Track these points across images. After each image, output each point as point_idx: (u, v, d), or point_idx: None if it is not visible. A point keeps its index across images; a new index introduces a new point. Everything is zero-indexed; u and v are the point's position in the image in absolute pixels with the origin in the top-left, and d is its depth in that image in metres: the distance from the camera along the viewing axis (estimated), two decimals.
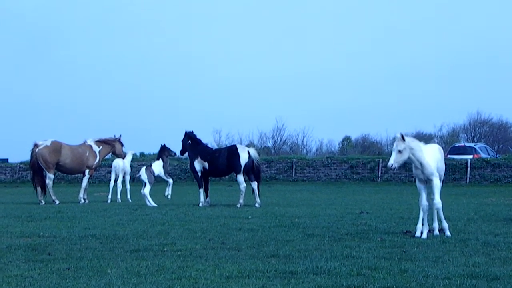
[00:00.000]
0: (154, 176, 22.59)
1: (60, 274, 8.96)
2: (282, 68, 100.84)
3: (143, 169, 22.62)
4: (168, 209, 19.82)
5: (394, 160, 12.33)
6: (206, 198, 22.45)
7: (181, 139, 23.48)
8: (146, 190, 22.18)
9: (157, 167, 22.69)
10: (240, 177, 22.04)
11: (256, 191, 21.97)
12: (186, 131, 23.33)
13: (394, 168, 12.64)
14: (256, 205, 21.45)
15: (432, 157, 12.62)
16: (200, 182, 22.47)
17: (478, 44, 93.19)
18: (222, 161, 22.14)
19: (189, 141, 23.10)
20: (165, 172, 22.64)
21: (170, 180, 23.02)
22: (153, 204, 21.90)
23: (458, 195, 28.57)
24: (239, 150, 22.20)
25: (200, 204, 21.82)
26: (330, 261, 9.63)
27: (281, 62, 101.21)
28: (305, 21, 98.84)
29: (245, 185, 21.98)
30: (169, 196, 24.00)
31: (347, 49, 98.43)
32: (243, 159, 21.99)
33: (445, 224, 12.86)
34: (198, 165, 22.55)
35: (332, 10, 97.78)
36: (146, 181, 22.23)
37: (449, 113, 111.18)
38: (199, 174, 22.42)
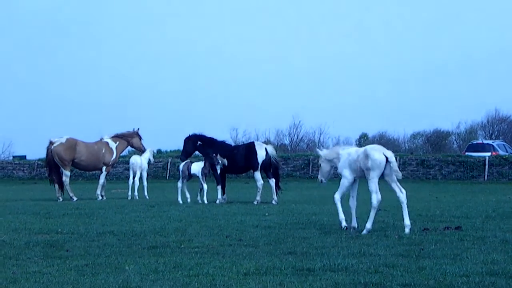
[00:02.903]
0: (189, 173, 22.34)
1: (78, 270, 9.00)
2: (299, 65, 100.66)
3: (183, 163, 22.63)
4: (185, 206, 19.87)
5: (320, 175, 13.85)
6: (223, 195, 22.47)
7: (184, 146, 23.54)
8: (179, 183, 22.34)
9: (196, 166, 22.37)
10: (257, 174, 22.06)
11: (274, 188, 21.98)
12: (189, 135, 23.37)
13: (321, 181, 13.89)
14: (273, 202, 21.45)
15: (343, 161, 13.23)
16: (218, 179, 22.48)
17: (496, 40, 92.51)
18: (240, 158, 22.18)
19: (199, 143, 23.14)
20: (203, 174, 22.08)
21: (205, 186, 22.03)
22: (180, 199, 21.85)
23: (476, 193, 28.43)
24: (256, 147, 22.23)
25: (217, 201, 21.84)
26: (348, 259, 9.61)
27: (297, 59, 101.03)
28: (322, 17, 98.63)
29: (262, 182, 22.02)
30: (199, 201, 22.39)
31: (365, 46, 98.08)
32: (260, 156, 22.02)
33: (344, 219, 13.42)
34: (217, 160, 22.57)
35: (348, 5, 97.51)
36: (180, 173, 22.40)
37: (467, 110, 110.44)
38: (218, 171, 22.44)
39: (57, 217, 16.38)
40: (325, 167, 13.62)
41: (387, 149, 13.10)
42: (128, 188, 26.47)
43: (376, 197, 12.83)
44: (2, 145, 73.47)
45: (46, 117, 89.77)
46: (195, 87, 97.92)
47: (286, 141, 76.20)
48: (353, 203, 13.43)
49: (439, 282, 8.05)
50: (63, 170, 25.22)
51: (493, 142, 48.79)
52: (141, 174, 26.57)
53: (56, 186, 25.12)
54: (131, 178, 26.49)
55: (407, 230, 12.57)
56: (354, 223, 13.27)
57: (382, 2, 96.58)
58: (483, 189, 32.62)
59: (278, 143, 73.13)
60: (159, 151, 56.33)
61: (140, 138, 26.84)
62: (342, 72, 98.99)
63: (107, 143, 26.26)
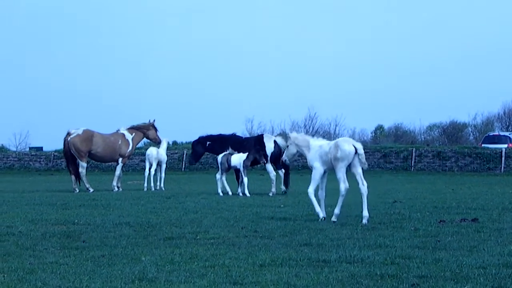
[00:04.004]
0: (229, 165, 21.93)
1: (94, 261, 9.03)
2: (314, 57, 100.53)
3: (222, 154, 22.20)
4: (200, 198, 19.90)
5: (284, 155, 14.40)
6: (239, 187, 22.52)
7: (193, 149, 23.80)
8: (218, 174, 21.97)
9: (237, 158, 21.84)
10: (269, 166, 22.22)
11: (283, 179, 22.16)
12: (197, 138, 23.76)
13: (285, 161, 14.86)
14: (282, 191, 21.81)
15: (314, 152, 13.58)
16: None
17: None
18: (252, 151, 22.24)
19: (208, 143, 23.28)
20: (244, 167, 21.65)
21: (245, 179, 21.57)
22: (219, 191, 21.64)
23: (492, 185, 28.29)
24: (265, 140, 22.38)
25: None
26: (364, 250, 9.59)
27: (313, 50, 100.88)
28: (338, 8, 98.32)
29: (274, 173, 22.17)
30: (240, 194, 21.71)
31: (380, 37, 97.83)
32: (269, 148, 22.21)
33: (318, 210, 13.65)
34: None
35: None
36: (219, 165, 22.02)
37: (483, 102, 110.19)
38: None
39: (74, 208, 16.46)
40: (292, 149, 14.09)
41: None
42: (144, 180, 26.52)
43: (344, 186, 13.27)
44: (19, 137, 73.95)
45: (62, 109, 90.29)
46: (211, 78, 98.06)
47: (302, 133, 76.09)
48: (322, 194, 13.79)
49: (455, 274, 8.02)
50: (80, 162, 25.29)
51: (509, 134, 48.60)
52: (160, 165, 26.62)
53: (73, 177, 25.23)
54: (147, 169, 26.52)
55: (364, 220, 12.91)
56: (323, 213, 13.62)
57: None
58: (500, 181, 32.46)
59: None
60: (174, 143, 56.44)
61: (156, 130, 26.85)
62: (358, 63, 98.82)
63: (123, 134, 26.31)
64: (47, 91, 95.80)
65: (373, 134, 75.93)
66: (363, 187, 13.25)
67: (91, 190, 24.63)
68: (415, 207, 16.05)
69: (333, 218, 13.15)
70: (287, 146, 14.14)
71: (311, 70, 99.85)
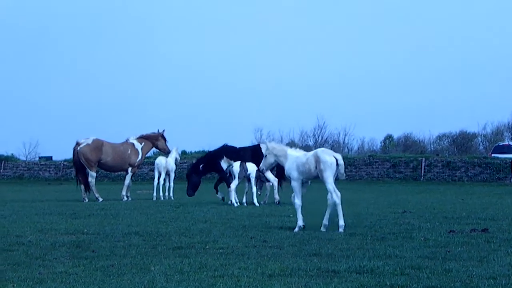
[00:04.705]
0: (246, 173, 21.70)
1: (104, 271, 9.04)
2: (323, 66, 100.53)
3: (238, 163, 21.80)
4: (209, 207, 19.89)
5: (262, 164, 14.40)
6: (217, 193, 23.12)
7: (190, 180, 23.86)
8: (233, 184, 21.54)
9: (253, 166, 21.64)
10: (268, 174, 22.20)
11: (276, 189, 22.12)
12: (189, 170, 24.15)
13: (262, 170, 15.19)
14: (277, 201, 21.94)
15: (291, 162, 13.73)
16: (228, 181, 22.72)
17: None
18: (248, 160, 22.25)
19: (201, 166, 23.65)
20: (257, 176, 21.59)
21: (254, 188, 21.59)
22: (234, 201, 21.33)
23: (502, 194, 28.21)
24: (263, 150, 22.30)
25: (229, 202, 22.03)
26: (373, 260, 9.56)
27: (322, 59, 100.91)
28: (347, 20, 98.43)
29: (275, 178, 22.11)
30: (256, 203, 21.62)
31: (389, 48, 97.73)
32: None
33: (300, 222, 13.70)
34: (225, 165, 22.74)
35: (375, 9, 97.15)
36: (236, 174, 21.49)
37: (493, 112, 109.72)
38: (228, 173, 22.72)
39: (83, 218, 16.48)
40: (269, 159, 14.18)
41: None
42: (153, 189, 26.56)
43: (336, 195, 13.38)
44: (29, 146, 74.20)
45: (72, 119, 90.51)
46: (220, 87, 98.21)
47: (311, 142, 76.11)
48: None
49: (465, 284, 7.99)
50: (89, 171, 25.34)
51: None
52: (169, 174, 26.70)
53: (82, 186, 25.28)
54: (156, 179, 26.58)
55: (341, 229, 13.15)
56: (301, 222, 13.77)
57: (405, 8, 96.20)
58: (510, 191, 32.34)
59: (302, 144, 73.07)
60: (183, 152, 56.45)
61: (165, 140, 26.91)
62: (367, 73, 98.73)
63: (133, 144, 26.37)
64: (57, 101, 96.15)
65: (383, 143, 75.79)
66: (337, 198, 13.40)
67: (100, 199, 24.66)
68: (424, 217, 15.99)
69: (340, 230, 13.18)
70: (265, 156, 14.28)
71: (321, 80, 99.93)
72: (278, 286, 7.96)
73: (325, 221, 13.48)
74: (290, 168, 13.77)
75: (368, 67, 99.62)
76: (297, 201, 13.81)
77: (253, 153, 22.52)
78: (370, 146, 74.97)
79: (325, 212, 13.54)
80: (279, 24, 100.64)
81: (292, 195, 13.96)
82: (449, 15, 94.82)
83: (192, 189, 23.87)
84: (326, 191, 13.50)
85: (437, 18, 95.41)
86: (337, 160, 13.35)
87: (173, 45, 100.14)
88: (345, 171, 13.70)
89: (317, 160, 13.31)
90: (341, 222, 13.28)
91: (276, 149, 14.07)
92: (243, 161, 22.04)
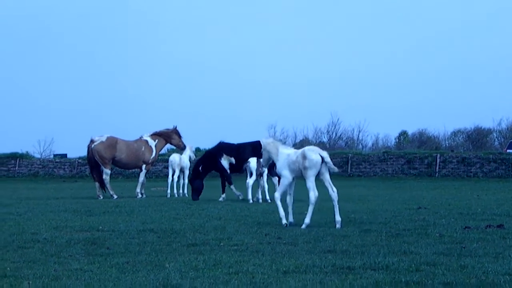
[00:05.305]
0: (262, 169, 21.53)
1: (119, 268, 9.05)
2: (337, 63, 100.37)
3: (255, 159, 21.69)
4: (223, 204, 19.90)
5: (262, 161, 14.62)
6: (223, 193, 22.86)
7: (192, 188, 23.53)
8: (251, 180, 21.52)
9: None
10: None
11: (277, 186, 22.01)
12: (192, 176, 23.79)
13: (262, 168, 15.22)
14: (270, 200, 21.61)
15: (283, 160, 13.87)
16: (229, 178, 22.71)
17: None
18: (248, 157, 22.23)
19: (200, 167, 23.45)
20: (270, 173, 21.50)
21: (266, 185, 21.59)
22: (250, 197, 21.33)
23: None
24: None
25: (221, 199, 22.07)
26: (388, 257, 9.53)
27: (335, 57, 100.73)
28: (361, 16, 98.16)
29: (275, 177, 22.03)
30: (260, 200, 21.81)
31: (403, 44, 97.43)
32: None
33: (290, 217, 13.93)
34: (225, 162, 22.72)
35: (387, 4, 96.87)
36: (253, 171, 21.46)
37: (508, 107, 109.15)
38: (228, 170, 22.72)
39: (98, 215, 16.53)
40: (264, 155, 14.37)
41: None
42: (167, 186, 26.62)
43: (313, 194, 13.47)
44: (44, 144, 74.49)
45: (87, 116, 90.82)
46: (234, 84, 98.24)
47: (325, 139, 76.02)
48: (290, 200, 14.09)
49: (481, 280, 7.95)
50: (103, 168, 25.41)
51: None
52: (183, 172, 26.74)
53: (97, 184, 25.35)
54: (170, 176, 26.63)
55: (338, 225, 13.27)
56: (291, 218, 13.96)
57: (417, 4, 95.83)
58: None
59: (316, 141, 73.00)
60: (197, 149, 56.51)
61: (180, 136, 26.90)
62: (381, 69, 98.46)
63: (147, 141, 26.41)
64: (72, 98, 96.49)
65: (397, 140, 75.55)
66: (334, 193, 13.57)
67: (115, 196, 24.73)
68: (439, 214, 15.94)
69: (303, 226, 13.30)
70: (262, 152, 14.41)
71: (335, 76, 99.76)
72: (293, 283, 7.94)
73: (337, 217, 13.46)
74: (281, 166, 13.91)
75: (382, 63, 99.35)
76: (277, 194, 14.04)
77: (254, 149, 22.41)
78: (384, 142, 74.79)
79: (333, 209, 13.53)
80: (294, 21, 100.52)
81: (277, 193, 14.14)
82: (468, 6, 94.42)
83: (196, 193, 23.43)
84: (326, 188, 13.67)
85: (452, 11, 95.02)
86: (323, 158, 13.47)
87: (185, 42, 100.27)
88: (334, 165, 13.82)
89: (304, 158, 13.46)
90: (307, 220, 13.42)
91: (269, 145, 14.19)
92: (243, 157, 22.06)
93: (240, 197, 22.52)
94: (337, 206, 13.46)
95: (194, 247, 10.84)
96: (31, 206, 20.05)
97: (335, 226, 13.27)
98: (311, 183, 13.47)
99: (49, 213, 17.13)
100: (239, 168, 22.92)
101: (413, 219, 14.57)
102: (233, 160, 22.56)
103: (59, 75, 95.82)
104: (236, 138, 23.33)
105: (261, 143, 14.49)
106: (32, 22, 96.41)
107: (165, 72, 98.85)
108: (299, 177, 13.82)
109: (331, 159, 13.85)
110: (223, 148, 23.16)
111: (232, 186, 22.82)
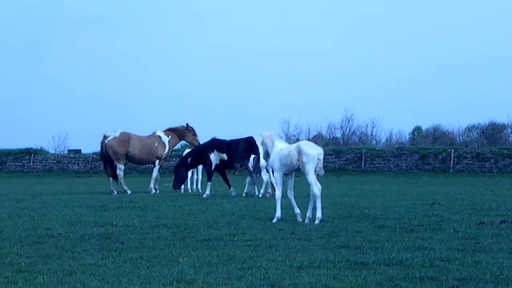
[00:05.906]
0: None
1: (133, 263, 9.08)
2: (350, 57, 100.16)
3: (255, 156, 21.89)
4: (237, 200, 19.92)
5: (262, 153, 14.68)
6: (230, 188, 22.88)
7: (175, 176, 23.71)
8: (264, 177, 21.63)
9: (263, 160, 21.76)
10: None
11: (270, 183, 21.85)
12: (178, 164, 23.95)
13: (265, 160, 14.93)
14: (260, 195, 21.58)
15: (275, 155, 13.87)
16: (211, 175, 22.72)
17: None
18: (241, 153, 22.17)
19: (189, 160, 23.48)
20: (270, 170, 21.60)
21: (265, 178, 21.70)
22: (262, 192, 21.54)
23: None
24: (257, 143, 22.04)
25: (205, 196, 21.90)
26: (402, 252, 9.51)
27: (349, 52, 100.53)
28: (374, 12, 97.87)
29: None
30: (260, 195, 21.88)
31: (418, 38, 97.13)
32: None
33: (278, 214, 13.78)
34: (215, 158, 22.65)
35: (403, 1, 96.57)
36: (263, 168, 21.50)
37: None
38: (213, 167, 22.74)
39: (112, 210, 16.58)
40: (263, 148, 14.36)
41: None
42: None
43: (317, 187, 13.41)
44: (58, 139, 74.80)
45: (101, 112, 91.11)
46: (248, 80, 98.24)
47: (338, 134, 75.90)
48: (291, 194, 14.07)
49: (495, 276, 7.92)
50: (117, 164, 25.49)
51: None
52: (196, 167, 26.75)
53: (111, 179, 25.43)
54: None
55: (317, 221, 13.22)
56: (297, 210, 13.90)
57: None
58: None
59: (330, 137, 72.90)
60: None
61: (195, 134, 26.85)
62: (395, 64, 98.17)
63: (160, 137, 26.45)
64: (86, 94, 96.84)
65: (411, 135, 75.29)
66: (317, 190, 13.41)
67: (129, 192, 24.80)
68: (454, 209, 15.88)
69: (316, 222, 13.25)
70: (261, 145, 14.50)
71: (348, 71, 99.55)
72: (306, 278, 7.94)
73: (309, 214, 13.55)
74: (273, 160, 13.92)
75: (395, 58, 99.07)
76: (277, 193, 13.91)
77: (246, 145, 22.38)
78: (398, 138, 74.54)
79: (307, 206, 13.64)
80: (305, 15, 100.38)
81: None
82: (478, 3, 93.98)
83: (178, 182, 23.64)
84: (325, 183, 13.58)
85: (462, 7, 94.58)
86: (319, 155, 13.42)
87: (201, 39, 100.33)
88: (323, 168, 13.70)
89: (300, 153, 13.37)
90: (319, 215, 13.34)
91: (266, 138, 14.16)
92: (235, 153, 22.03)
93: (207, 198, 22.31)
94: (319, 203, 13.37)
95: (207, 242, 10.85)
96: (46, 201, 20.13)
97: (314, 221, 13.24)
98: (311, 178, 13.38)
99: (64, 208, 17.20)
100: (231, 165, 22.92)
101: (427, 215, 14.53)
102: (225, 156, 22.52)
103: (74, 71, 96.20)
104: (249, 134, 23.00)
105: (261, 136, 14.46)
106: (47, 18, 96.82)
107: (179, 68, 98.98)
108: (291, 171, 13.80)
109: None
110: (215, 144, 23.08)
111: (209, 183, 22.58)
